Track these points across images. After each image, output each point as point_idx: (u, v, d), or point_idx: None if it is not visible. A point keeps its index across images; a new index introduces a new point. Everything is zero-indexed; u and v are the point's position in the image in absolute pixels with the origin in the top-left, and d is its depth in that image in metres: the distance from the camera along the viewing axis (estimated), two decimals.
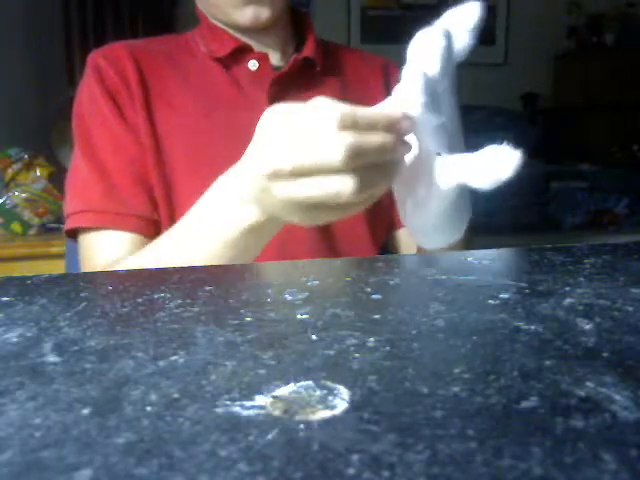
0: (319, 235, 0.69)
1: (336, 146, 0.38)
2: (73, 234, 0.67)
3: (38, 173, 1.51)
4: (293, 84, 0.70)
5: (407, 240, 0.77)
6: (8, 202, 1.45)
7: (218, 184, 0.50)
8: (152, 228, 0.64)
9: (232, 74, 0.70)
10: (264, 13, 0.67)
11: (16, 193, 1.46)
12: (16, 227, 1.47)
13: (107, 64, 0.67)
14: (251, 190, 0.44)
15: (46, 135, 1.71)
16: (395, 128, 0.40)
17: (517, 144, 0.40)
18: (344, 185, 0.39)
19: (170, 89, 0.69)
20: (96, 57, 0.68)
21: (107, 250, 0.63)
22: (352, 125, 0.38)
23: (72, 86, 2.04)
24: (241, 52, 0.70)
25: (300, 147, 0.39)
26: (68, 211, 0.66)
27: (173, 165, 0.66)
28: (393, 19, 2.70)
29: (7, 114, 1.77)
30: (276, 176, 0.40)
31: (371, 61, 0.79)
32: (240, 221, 0.47)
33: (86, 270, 0.65)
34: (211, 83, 0.70)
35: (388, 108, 0.41)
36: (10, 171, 1.49)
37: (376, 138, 0.39)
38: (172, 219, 0.64)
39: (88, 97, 0.67)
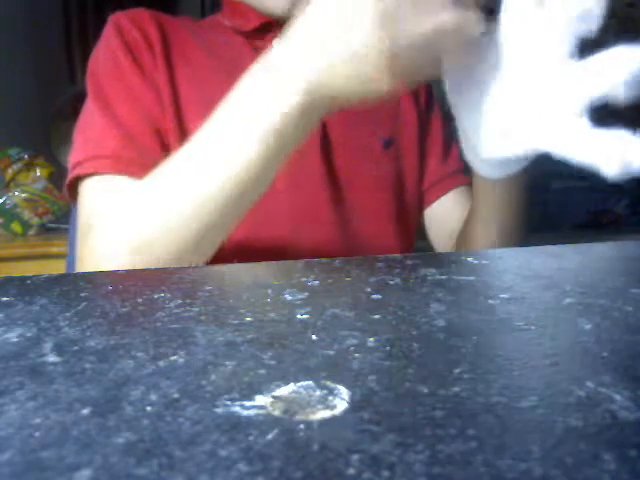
0: (337, 216, 0.68)
1: None
2: (77, 188, 0.60)
3: (38, 173, 1.51)
4: None
5: (438, 215, 0.77)
6: (8, 202, 1.45)
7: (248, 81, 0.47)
8: None
9: (256, 47, 0.70)
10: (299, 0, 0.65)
11: (16, 193, 1.46)
12: (16, 227, 1.47)
13: (129, 22, 0.66)
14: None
15: (46, 135, 1.71)
16: None
17: None
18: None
19: (192, 54, 0.67)
20: (118, 16, 0.67)
21: (117, 195, 0.56)
22: None
23: (73, 85, 2.04)
24: (266, 28, 0.70)
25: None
26: (77, 159, 0.59)
27: (193, 132, 0.65)
28: None
29: (7, 114, 1.77)
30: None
31: None
32: (287, 100, 0.44)
33: (84, 215, 0.58)
34: (235, 54, 0.69)
35: None
36: (10, 171, 1.49)
37: None
38: None
39: (106, 51, 0.65)
